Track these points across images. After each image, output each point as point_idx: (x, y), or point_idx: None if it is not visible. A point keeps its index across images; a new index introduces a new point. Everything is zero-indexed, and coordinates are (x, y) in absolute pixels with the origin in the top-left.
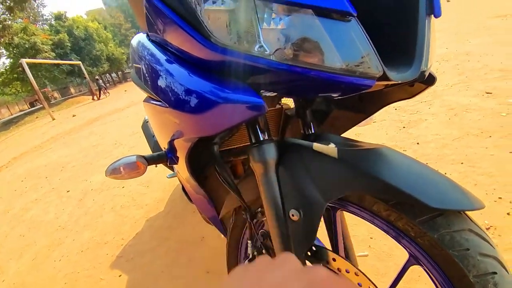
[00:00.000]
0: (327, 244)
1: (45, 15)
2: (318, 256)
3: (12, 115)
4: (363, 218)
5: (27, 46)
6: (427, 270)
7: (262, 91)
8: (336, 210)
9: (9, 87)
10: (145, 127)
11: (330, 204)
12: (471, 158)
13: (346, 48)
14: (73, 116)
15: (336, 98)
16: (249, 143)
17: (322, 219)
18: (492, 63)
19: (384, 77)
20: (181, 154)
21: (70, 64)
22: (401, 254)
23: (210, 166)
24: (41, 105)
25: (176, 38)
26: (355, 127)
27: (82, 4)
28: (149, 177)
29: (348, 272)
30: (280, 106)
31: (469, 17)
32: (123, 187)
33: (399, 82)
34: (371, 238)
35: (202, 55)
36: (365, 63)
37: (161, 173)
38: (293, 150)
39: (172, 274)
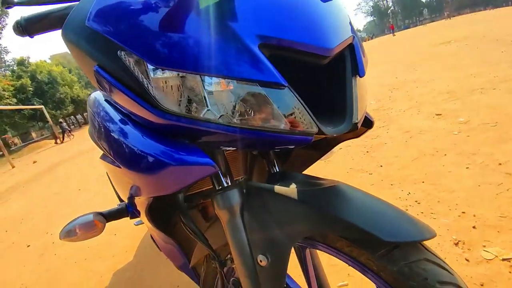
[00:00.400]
0: (302, 282)
1: (8, 61)
2: None
3: None
4: (331, 255)
5: None
6: None
7: (220, 146)
8: (305, 249)
9: None
10: None
11: (298, 244)
12: (431, 176)
13: (284, 111)
14: (34, 162)
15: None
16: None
17: (296, 259)
18: (439, 87)
19: (320, 132)
20: (141, 209)
21: (32, 109)
22: None
23: (176, 214)
24: (1, 153)
25: (126, 104)
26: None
27: (46, 48)
28: (117, 223)
29: None
30: None
31: (414, 47)
32: None
33: (335, 135)
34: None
35: (152, 120)
36: (301, 123)
37: (129, 220)
38: (256, 194)
39: None
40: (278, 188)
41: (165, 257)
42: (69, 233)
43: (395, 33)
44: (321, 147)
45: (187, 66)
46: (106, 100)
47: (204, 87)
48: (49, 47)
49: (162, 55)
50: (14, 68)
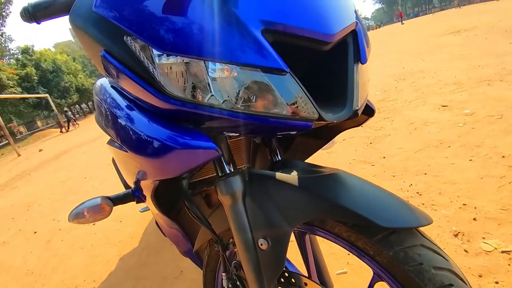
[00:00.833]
0: (302, 267)
1: (12, 49)
2: (291, 282)
3: None
4: (329, 240)
5: None
6: (390, 286)
7: (223, 132)
8: (304, 235)
9: None
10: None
11: (299, 229)
12: (433, 168)
13: (285, 97)
14: (40, 150)
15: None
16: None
17: (296, 244)
18: (446, 78)
19: (321, 118)
20: (147, 193)
21: (37, 97)
22: None
23: (181, 199)
24: (7, 141)
25: (133, 89)
26: (323, 149)
27: (50, 37)
28: (122, 211)
29: None
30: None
31: (423, 36)
32: (93, 224)
33: (335, 121)
34: (348, 254)
35: (157, 105)
36: (302, 108)
37: (135, 207)
38: (258, 180)
39: None
40: (279, 175)
41: (170, 243)
42: (77, 216)
43: (403, 22)
44: (323, 136)
45: (191, 52)
46: (112, 86)
47: (208, 73)
48: (53, 36)
49: (167, 40)
50: (19, 56)
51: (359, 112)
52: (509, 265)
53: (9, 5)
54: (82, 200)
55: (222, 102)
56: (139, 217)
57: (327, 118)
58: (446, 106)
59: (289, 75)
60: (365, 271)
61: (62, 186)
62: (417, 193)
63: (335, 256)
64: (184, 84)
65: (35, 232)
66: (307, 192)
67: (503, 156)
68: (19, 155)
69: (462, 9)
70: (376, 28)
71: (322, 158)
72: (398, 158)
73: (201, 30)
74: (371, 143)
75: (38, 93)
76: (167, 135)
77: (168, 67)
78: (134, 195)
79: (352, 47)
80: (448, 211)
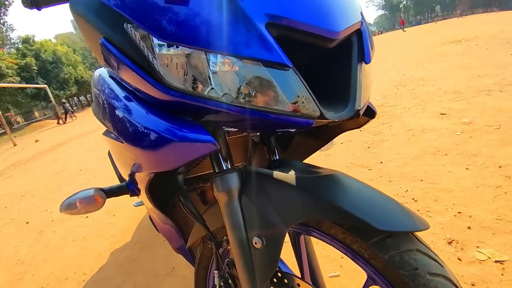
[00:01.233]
0: (295, 268)
1: (13, 38)
2: (283, 282)
3: None
4: (324, 242)
5: None
6: None
7: (222, 127)
8: (299, 235)
9: None
10: (111, 154)
11: (293, 230)
12: (430, 175)
13: (287, 93)
14: (36, 141)
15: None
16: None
17: (290, 244)
18: (445, 86)
19: (322, 117)
20: (142, 186)
21: (36, 88)
22: None
23: (176, 195)
24: (3, 131)
25: (132, 79)
26: (322, 151)
27: (51, 28)
28: (116, 204)
29: None
30: (246, 133)
31: (424, 44)
32: (86, 217)
33: (336, 120)
34: (342, 257)
35: (156, 96)
36: (304, 105)
37: (129, 201)
38: (255, 178)
39: None
40: (277, 174)
41: (162, 240)
42: (69, 206)
43: (405, 29)
44: (322, 136)
45: (192, 42)
46: (110, 77)
47: (209, 66)
48: (55, 27)
49: (169, 30)
50: (19, 46)
51: (361, 112)
52: (502, 274)
53: None
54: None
55: (222, 96)
56: (133, 212)
57: (329, 117)
58: (445, 114)
59: (291, 71)
60: (358, 275)
61: (56, 178)
62: (413, 199)
63: (328, 258)
64: (184, 75)
65: (27, 222)
66: (304, 192)
67: (500, 166)
68: (15, 145)
69: (464, 19)
70: (378, 34)
71: (319, 160)
72: (395, 163)
73: (203, 21)
74: (369, 147)
75: (37, 83)
76: (165, 127)
77: (168, 57)
78: (128, 188)
79: (356, 46)
80: (443, 218)
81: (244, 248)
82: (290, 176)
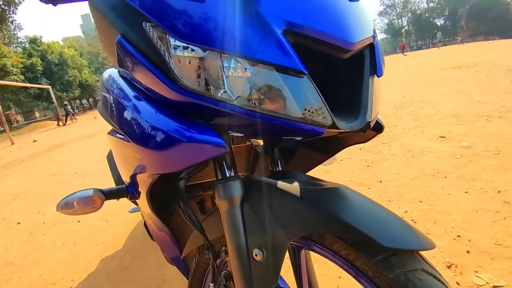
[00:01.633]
0: (292, 284)
1: (20, 37)
2: None
3: None
4: (326, 257)
5: None
6: None
7: (229, 131)
8: (300, 249)
9: None
10: (110, 157)
11: (294, 243)
12: (429, 197)
13: (300, 100)
14: (34, 141)
15: (298, 140)
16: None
17: (288, 261)
18: (445, 110)
19: (334, 126)
20: (143, 189)
21: (39, 88)
22: None
23: (175, 201)
24: (2, 128)
25: (145, 78)
26: (324, 165)
27: (60, 30)
28: (110, 210)
29: None
30: (250, 143)
31: (425, 68)
32: (78, 221)
33: (347, 130)
34: (339, 277)
35: (168, 96)
36: (316, 113)
37: (123, 207)
38: (258, 187)
39: None
40: (280, 184)
41: (155, 249)
42: (66, 205)
43: (406, 53)
44: (326, 149)
45: (208, 43)
46: (121, 76)
47: (223, 69)
48: (63, 30)
49: (186, 30)
50: (26, 45)
51: (372, 124)
52: None
53: None
54: None
55: (235, 99)
56: (126, 219)
57: (340, 126)
58: (444, 137)
59: (306, 78)
60: None
61: (52, 179)
62: (412, 220)
63: (325, 278)
64: (198, 77)
65: (18, 223)
66: (308, 204)
67: (499, 191)
68: (12, 144)
69: (465, 46)
70: None
71: (318, 175)
72: (395, 183)
73: (221, 24)
74: (368, 166)
75: (41, 84)
76: (174, 127)
77: (183, 58)
78: (128, 190)
79: (368, 59)
80: (442, 241)
81: (243, 259)
82: (294, 187)
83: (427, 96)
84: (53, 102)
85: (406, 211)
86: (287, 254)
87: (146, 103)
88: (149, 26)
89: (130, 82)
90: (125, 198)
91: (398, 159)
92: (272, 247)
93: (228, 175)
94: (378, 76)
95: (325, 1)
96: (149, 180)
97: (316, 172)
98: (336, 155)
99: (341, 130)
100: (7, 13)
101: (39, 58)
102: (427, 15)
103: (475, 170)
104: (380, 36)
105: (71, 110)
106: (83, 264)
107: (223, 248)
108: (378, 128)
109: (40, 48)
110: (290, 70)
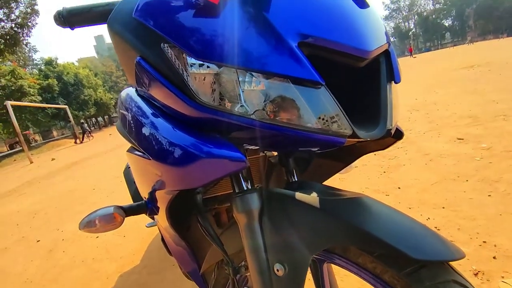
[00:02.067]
0: None
1: (35, 59)
2: None
3: None
4: (350, 271)
5: (13, 88)
6: None
7: (244, 144)
8: (322, 263)
9: None
10: (127, 172)
11: (316, 257)
12: (451, 202)
13: (319, 111)
14: (52, 159)
15: (315, 151)
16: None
17: (309, 274)
18: (460, 111)
19: (354, 135)
20: (162, 205)
21: (56, 108)
22: None
23: (193, 216)
24: (21, 147)
25: (163, 96)
26: (340, 174)
27: (74, 51)
28: (126, 225)
29: None
30: (263, 154)
31: (435, 69)
32: (97, 237)
33: (368, 139)
34: None
35: (187, 113)
36: (336, 123)
37: (140, 222)
38: (276, 199)
39: None
40: (299, 195)
41: (172, 264)
42: (89, 224)
43: (415, 55)
44: (342, 158)
45: (224, 59)
46: (139, 95)
47: (239, 84)
48: (77, 51)
49: (202, 48)
50: (42, 67)
51: (392, 132)
52: None
53: (36, 16)
54: (89, 211)
55: (253, 113)
56: (143, 233)
57: (361, 136)
58: (462, 139)
59: (323, 89)
60: None
61: (70, 196)
62: (435, 227)
63: None
64: (213, 92)
65: (38, 241)
66: (330, 215)
67: None
68: (31, 162)
69: (475, 45)
70: None
71: (333, 184)
72: (414, 189)
73: (236, 39)
74: (384, 172)
75: (58, 103)
76: (193, 143)
77: (200, 76)
78: (147, 206)
79: (385, 66)
80: (468, 248)
81: (264, 274)
82: (313, 198)
83: (440, 98)
84: (70, 121)
85: (429, 218)
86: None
87: (163, 119)
88: (167, 46)
89: (148, 100)
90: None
91: (415, 164)
92: (294, 261)
93: (245, 188)
94: (396, 83)
95: (337, 10)
96: (168, 197)
97: (331, 180)
98: (353, 163)
99: (361, 139)
100: (21, 35)
101: (55, 79)
102: (434, 16)
103: (496, 171)
104: None
105: (87, 128)
106: (102, 280)
107: (243, 262)
108: (398, 135)
109: (56, 69)
110: (307, 81)
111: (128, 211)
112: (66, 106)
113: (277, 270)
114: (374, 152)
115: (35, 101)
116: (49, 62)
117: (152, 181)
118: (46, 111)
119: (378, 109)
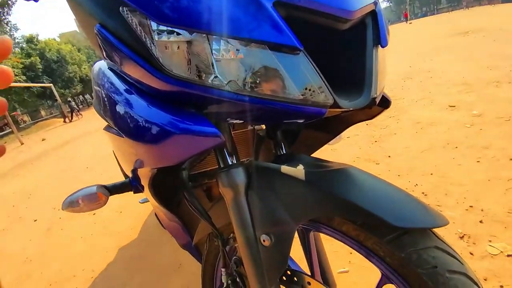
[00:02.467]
0: (304, 265)
1: (17, 38)
2: (293, 281)
3: None
4: (335, 239)
5: None
6: None
7: (228, 118)
8: (309, 232)
9: None
10: None
11: (303, 226)
12: (440, 168)
13: (297, 79)
14: (43, 140)
15: (300, 123)
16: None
17: (299, 241)
18: (453, 78)
19: (336, 105)
20: (145, 183)
21: (41, 87)
22: None
23: (181, 191)
24: (10, 129)
25: (131, 70)
26: (329, 145)
27: (56, 27)
28: (122, 202)
29: None
30: (252, 128)
31: (430, 36)
32: (94, 213)
33: (351, 109)
34: (350, 253)
35: (157, 86)
36: (316, 93)
37: (136, 197)
38: (262, 173)
39: None
40: (284, 168)
41: (169, 236)
42: (71, 204)
43: (410, 21)
44: (331, 129)
45: (194, 24)
46: (110, 69)
47: (212, 53)
48: (58, 26)
49: (168, 12)
50: (23, 45)
51: (377, 100)
52: None
53: None
54: None
55: (227, 84)
56: (139, 208)
57: (343, 105)
58: (454, 106)
59: (302, 55)
60: (369, 271)
61: (63, 175)
62: (423, 193)
63: (337, 254)
64: (186, 63)
65: (35, 220)
66: (314, 187)
67: (511, 159)
68: (22, 144)
69: (470, 11)
70: None
71: (325, 154)
72: (404, 157)
73: (206, 2)
74: (376, 141)
75: (42, 82)
76: (166, 119)
77: (168, 44)
78: (131, 184)
79: (371, 29)
80: (454, 212)
81: (251, 245)
82: (298, 171)
83: (435, 65)
84: (56, 100)
85: (417, 185)
86: (296, 236)
87: (137, 96)
88: (126, 10)
89: (119, 74)
90: None
91: (406, 133)
92: (280, 232)
93: (230, 163)
94: (383, 47)
95: None
96: (149, 174)
97: (322, 151)
98: (342, 133)
99: (344, 109)
100: (1, 14)
101: (37, 57)
102: None
103: (486, 138)
104: (383, 5)
105: (75, 106)
106: (101, 255)
107: (232, 234)
108: (385, 103)
109: (37, 47)
110: (285, 47)
111: (113, 190)
112: (51, 85)
113: (264, 241)
114: (366, 122)
115: (19, 81)
116: (31, 40)
117: (131, 159)
118: (32, 90)
119: (363, 76)
